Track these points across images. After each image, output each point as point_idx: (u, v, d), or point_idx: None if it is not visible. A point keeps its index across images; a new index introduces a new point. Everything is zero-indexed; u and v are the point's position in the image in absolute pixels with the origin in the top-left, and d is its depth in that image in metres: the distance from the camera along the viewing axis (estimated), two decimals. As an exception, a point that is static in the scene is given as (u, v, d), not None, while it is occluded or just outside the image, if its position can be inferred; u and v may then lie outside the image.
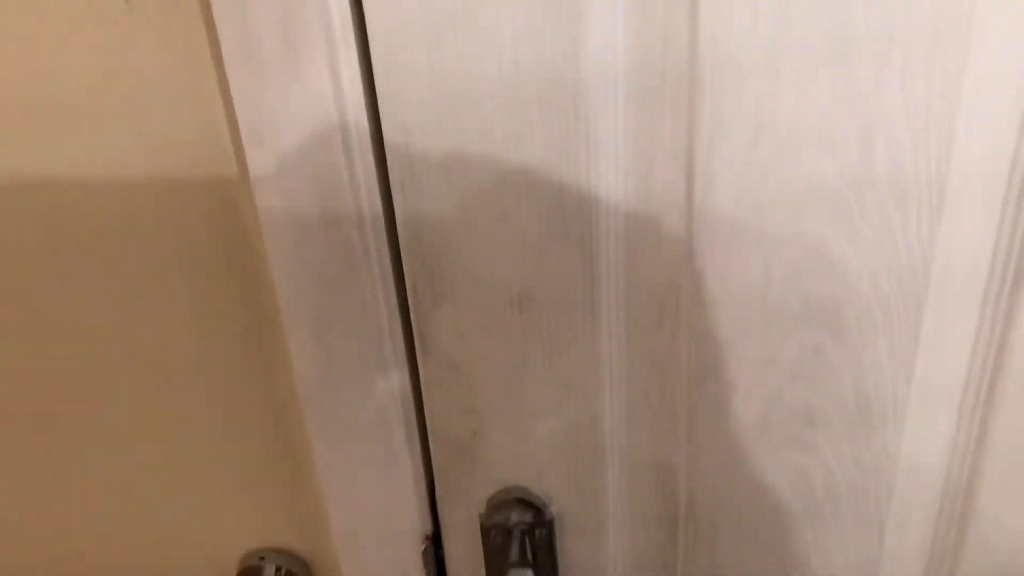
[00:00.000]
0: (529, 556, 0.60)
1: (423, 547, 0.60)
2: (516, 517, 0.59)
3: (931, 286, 0.51)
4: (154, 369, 0.55)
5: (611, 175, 0.47)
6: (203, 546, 0.61)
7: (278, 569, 0.60)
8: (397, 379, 0.53)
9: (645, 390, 0.55)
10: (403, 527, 0.59)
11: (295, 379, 0.53)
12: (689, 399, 0.55)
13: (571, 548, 0.61)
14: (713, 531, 0.60)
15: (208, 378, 0.55)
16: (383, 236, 0.49)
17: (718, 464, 0.57)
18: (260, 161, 0.46)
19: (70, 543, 0.62)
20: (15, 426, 0.57)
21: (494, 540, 0.60)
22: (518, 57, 0.44)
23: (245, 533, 0.61)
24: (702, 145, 0.47)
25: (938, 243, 0.49)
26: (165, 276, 0.52)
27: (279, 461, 0.58)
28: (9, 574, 0.63)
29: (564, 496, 0.58)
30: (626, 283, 0.51)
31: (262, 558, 0.60)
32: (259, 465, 0.59)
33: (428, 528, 0.60)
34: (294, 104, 0.45)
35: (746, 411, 0.55)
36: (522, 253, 0.49)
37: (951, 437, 0.57)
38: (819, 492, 0.58)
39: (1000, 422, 0.55)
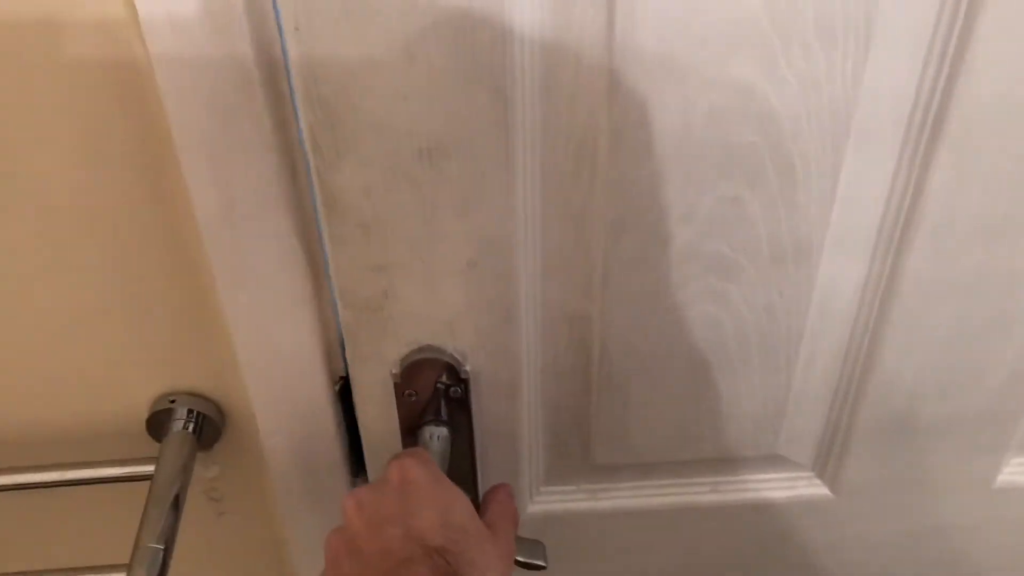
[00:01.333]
0: (444, 414, 0.59)
1: (337, 386, 0.59)
2: (430, 376, 0.58)
3: (852, 133, 0.50)
4: (48, 214, 0.51)
5: (528, 10, 0.43)
6: (111, 392, 0.59)
7: (190, 412, 0.59)
8: (301, 218, 0.50)
9: (560, 243, 0.53)
10: (314, 368, 0.57)
11: (196, 218, 0.50)
12: (605, 251, 0.54)
13: (485, 404, 0.60)
14: (625, 382, 0.61)
15: (105, 220, 0.51)
16: (283, 73, 0.44)
17: (632, 316, 0.57)
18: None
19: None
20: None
21: (408, 399, 0.59)
22: None
23: (154, 378, 0.59)
24: (625, -20, 0.43)
25: (862, 88, 0.48)
26: (51, 115, 0.47)
27: (185, 304, 0.56)
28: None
29: (478, 353, 0.57)
30: (542, 130, 0.48)
31: (172, 400, 0.59)
32: (165, 310, 0.56)
33: (341, 369, 0.59)
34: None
35: (662, 262, 0.54)
36: (431, 99, 0.46)
37: (860, 283, 0.57)
38: (730, 341, 0.59)
39: (909, 267, 0.55)
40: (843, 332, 0.60)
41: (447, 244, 0.52)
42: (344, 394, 0.61)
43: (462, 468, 0.62)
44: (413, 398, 0.59)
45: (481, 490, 0.64)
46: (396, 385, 0.58)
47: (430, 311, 0.55)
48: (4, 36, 0.44)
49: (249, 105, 0.46)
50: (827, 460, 0.68)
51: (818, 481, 0.70)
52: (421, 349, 0.57)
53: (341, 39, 0.43)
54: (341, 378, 0.60)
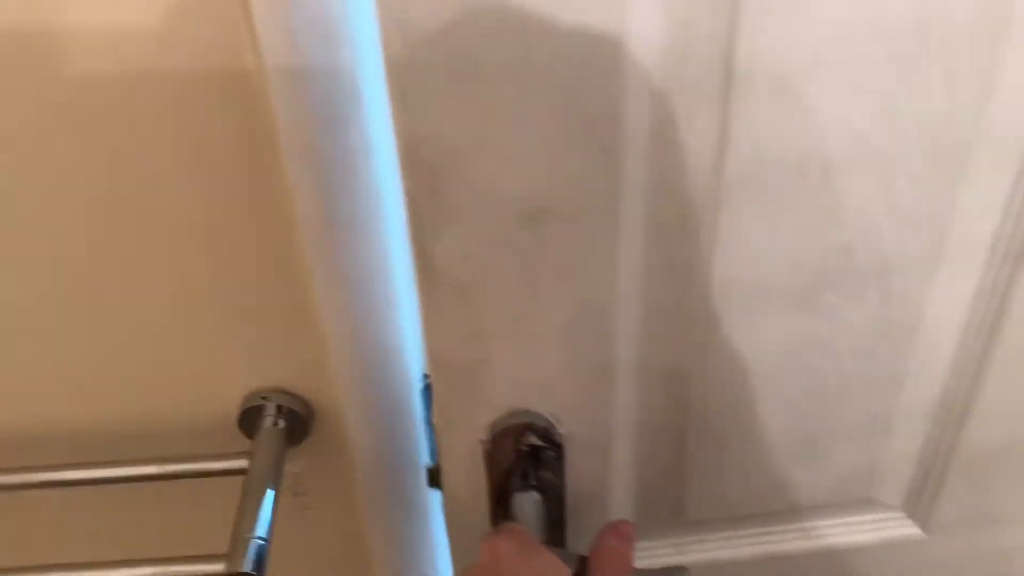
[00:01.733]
0: (533, 478, 0.57)
1: (422, 386, 0.59)
2: (521, 441, 0.55)
3: (968, 173, 0.48)
4: (151, 209, 0.51)
5: (641, 63, 0.41)
6: (205, 387, 0.59)
7: (280, 408, 0.59)
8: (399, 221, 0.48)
9: (662, 301, 0.51)
10: (402, 367, 0.57)
11: (297, 221, 0.49)
12: (709, 306, 0.51)
13: (576, 465, 0.58)
14: (722, 436, 0.58)
15: (207, 222, 0.51)
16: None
17: (734, 370, 0.54)
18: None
19: (66, 391, 0.58)
20: (7, 268, 0.53)
21: (498, 465, 0.56)
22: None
23: (247, 375, 0.58)
24: (744, 31, 0.41)
25: (981, 127, 0.46)
26: (160, 116, 0.47)
27: (280, 304, 0.55)
28: (5, 423, 0.60)
29: (572, 415, 0.55)
30: (649, 186, 0.46)
31: (264, 398, 0.58)
32: (261, 310, 0.55)
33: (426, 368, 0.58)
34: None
35: (768, 315, 0.52)
36: (538, 161, 0.43)
37: (966, 319, 0.55)
38: (831, 389, 0.56)
39: (1018, 297, 0.53)
40: (945, 370, 0.58)
41: (546, 307, 0.49)
42: (428, 393, 0.60)
43: (554, 531, 0.59)
44: (504, 463, 0.56)
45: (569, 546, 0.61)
46: (485, 451, 0.56)
47: (525, 375, 0.52)
48: (120, 45, 0.44)
49: (355, 116, 0.46)
50: (919, 499, 0.66)
51: (909, 521, 0.67)
52: (513, 413, 0.54)
53: (450, 107, 0.41)
54: (425, 376, 0.59)
